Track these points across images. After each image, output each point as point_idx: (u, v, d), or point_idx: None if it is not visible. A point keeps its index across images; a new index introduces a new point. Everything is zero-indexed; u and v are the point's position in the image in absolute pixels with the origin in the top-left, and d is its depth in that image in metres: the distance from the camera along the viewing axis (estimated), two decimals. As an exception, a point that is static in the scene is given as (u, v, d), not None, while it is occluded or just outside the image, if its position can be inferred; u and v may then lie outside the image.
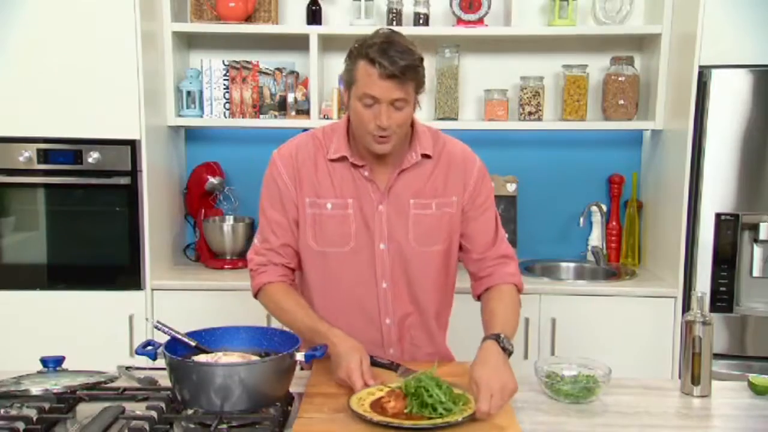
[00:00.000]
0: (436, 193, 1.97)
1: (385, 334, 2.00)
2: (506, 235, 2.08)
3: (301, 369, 1.89)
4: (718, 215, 2.95)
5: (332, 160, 1.95)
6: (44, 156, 3.04)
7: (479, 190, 2.01)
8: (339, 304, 1.99)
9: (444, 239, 1.99)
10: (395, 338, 2.01)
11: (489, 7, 3.24)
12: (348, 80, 1.85)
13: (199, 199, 3.43)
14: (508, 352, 1.77)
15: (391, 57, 1.75)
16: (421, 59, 1.83)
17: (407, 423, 1.51)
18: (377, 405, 1.60)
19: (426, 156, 1.96)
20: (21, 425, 1.50)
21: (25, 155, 3.02)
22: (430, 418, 1.53)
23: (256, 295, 2.03)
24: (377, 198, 1.94)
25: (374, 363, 1.91)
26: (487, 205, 2.03)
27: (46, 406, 1.62)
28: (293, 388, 1.71)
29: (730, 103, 2.90)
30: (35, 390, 1.69)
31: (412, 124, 1.96)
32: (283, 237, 1.98)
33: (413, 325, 2.03)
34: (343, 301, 1.99)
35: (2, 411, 1.58)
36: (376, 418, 1.53)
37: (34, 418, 1.55)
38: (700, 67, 2.92)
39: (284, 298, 1.97)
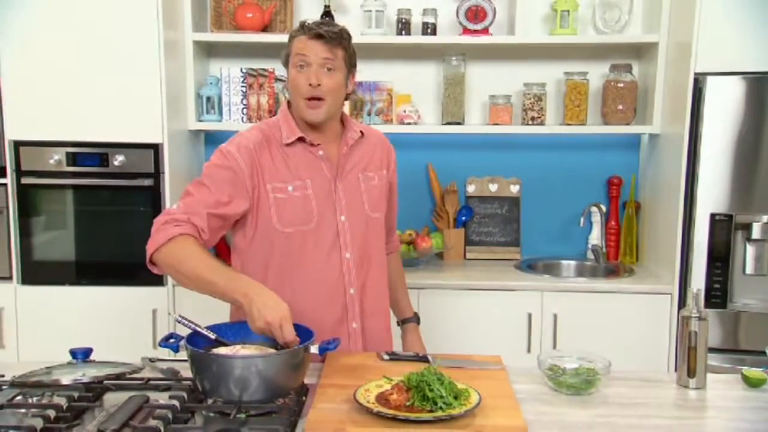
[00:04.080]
0: (374, 167, 2.17)
1: (349, 305, 2.10)
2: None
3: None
4: (712, 215, 2.98)
5: (288, 144, 2.03)
6: (73, 159, 3.13)
7: (395, 171, 2.27)
8: (304, 283, 2.04)
9: (384, 206, 2.21)
10: (358, 310, 2.12)
11: (494, 17, 3.30)
12: (286, 57, 2.02)
13: (217, 199, 3.54)
14: (418, 321, 2.36)
15: (319, 24, 1.97)
16: (349, 36, 2.02)
17: (405, 415, 1.54)
18: (382, 397, 1.62)
19: (361, 134, 2.15)
20: (52, 413, 1.54)
21: (55, 158, 3.12)
22: (431, 411, 1.55)
23: (160, 247, 1.82)
24: (332, 175, 2.07)
25: (401, 358, 1.99)
26: (396, 183, 2.30)
27: (75, 395, 1.66)
28: (308, 380, 1.75)
29: (724, 108, 2.94)
30: (65, 380, 1.74)
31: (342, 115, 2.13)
32: (210, 208, 1.91)
33: (371, 293, 2.15)
34: (309, 279, 2.04)
35: (34, 399, 1.65)
36: (377, 409, 1.56)
37: (64, 407, 1.59)
38: (696, 74, 2.96)
39: (200, 249, 1.81)
